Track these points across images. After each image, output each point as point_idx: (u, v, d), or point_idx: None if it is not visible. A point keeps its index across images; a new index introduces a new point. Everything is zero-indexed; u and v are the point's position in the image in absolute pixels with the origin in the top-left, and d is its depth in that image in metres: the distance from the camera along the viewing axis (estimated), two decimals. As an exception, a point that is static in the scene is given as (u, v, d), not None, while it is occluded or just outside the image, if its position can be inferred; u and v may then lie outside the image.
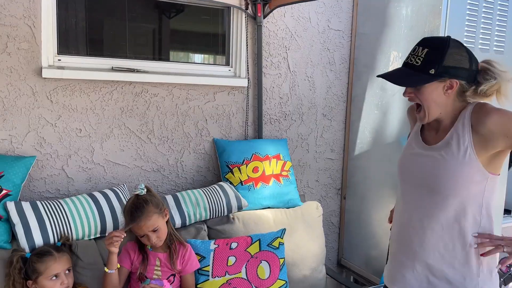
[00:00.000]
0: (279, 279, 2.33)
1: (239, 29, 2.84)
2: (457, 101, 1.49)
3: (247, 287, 2.24)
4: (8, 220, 2.07)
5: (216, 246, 2.29)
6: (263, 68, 2.89)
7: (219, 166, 2.79)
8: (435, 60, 1.42)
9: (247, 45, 2.84)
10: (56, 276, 1.91)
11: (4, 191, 2.10)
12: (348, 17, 3.16)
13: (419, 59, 1.44)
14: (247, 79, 2.84)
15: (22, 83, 2.29)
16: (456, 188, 1.47)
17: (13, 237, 2.08)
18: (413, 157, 1.60)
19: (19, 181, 2.18)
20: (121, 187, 2.42)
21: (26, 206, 2.10)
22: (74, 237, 2.15)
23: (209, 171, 2.84)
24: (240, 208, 2.54)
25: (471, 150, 1.44)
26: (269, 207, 2.72)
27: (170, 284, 2.12)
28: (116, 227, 2.26)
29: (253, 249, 2.32)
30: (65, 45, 2.45)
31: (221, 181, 2.72)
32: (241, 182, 2.69)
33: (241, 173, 2.71)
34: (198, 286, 2.22)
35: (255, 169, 2.74)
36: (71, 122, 2.43)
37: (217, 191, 2.54)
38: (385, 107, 2.90)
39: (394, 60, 2.81)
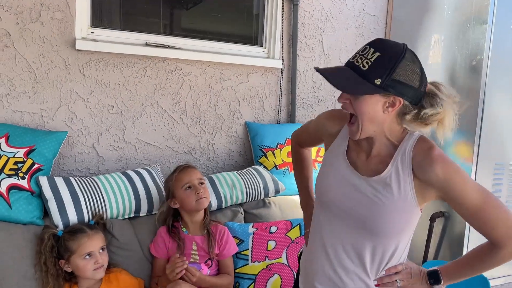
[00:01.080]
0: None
1: (274, 9, 2.74)
2: (394, 123, 1.28)
3: (288, 274, 2.12)
4: (40, 196, 1.97)
5: (255, 229, 2.18)
6: (297, 50, 2.79)
7: (251, 150, 2.68)
8: (384, 69, 1.18)
9: (282, 26, 2.74)
10: (89, 255, 1.80)
11: (36, 165, 1.99)
12: (383, 1, 3.07)
13: (367, 62, 1.20)
14: (281, 60, 2.74)
15: (54, 54, 2.19)
16: (390, 232, 1.31)
17: (45, 214, 1.97)
18: (342, 185, 1.36)
19: (51, 156, 2.07)
20: (155, 168, 2.32)
21: (59, 181, 1.99)
22: (108, 215, 2.04)
23: (240, 155, 2.73)
24: (277, 192, 2.43)
25: (413, 196, 1.27)
26: (304, 193, 2.61)
27: (208, 268, 2.01)
28: (150, 209, 2.15)
29: (294, 233, 2.21)
30: (99, 18, 2.35)
31: (253, 165, 2.61)
32: (275, 166, 2.58)
33: (275, 157, 2.60)
34: (236, 270, 2.11)
35: (289, 154, 2.63)
36: (103, 98, 2.32)
37: (253, 174, 2.43)
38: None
39: (436, 43, 2.72)
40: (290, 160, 2.62)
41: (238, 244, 2.14)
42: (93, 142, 2.33)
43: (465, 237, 2.66)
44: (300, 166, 1.75)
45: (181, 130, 2.54)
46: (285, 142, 2.65)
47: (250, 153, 2.71)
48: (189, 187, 1.99)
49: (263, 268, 2.11)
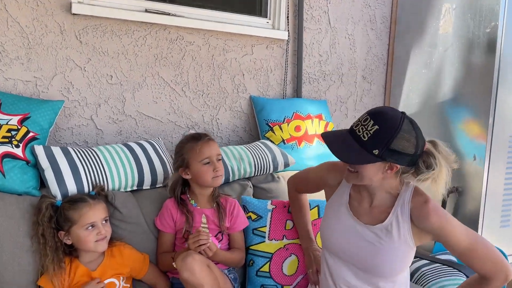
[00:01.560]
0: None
1: (278, -21, 2.63)
2: (392, 179, 1.47)
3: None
4: (36, 166, 1.82)
5: (274, 207, 2.05)
6: (303, 21, 2.68)
7: (256, 126, 2.56)
8: (381, 142, 1.34)
9: (287, -4, 2.63)
10: (92, 225, 1.67)
11: (31, 134, 1.85)
12: (389, -27, 2.97)
13: (366, 133, 1.35)
14: (286, 32, 2.62)
15: (49, 18, 2.05)
16: (393, 272, 1.50)
17: (42, 185, 1.83)
18: (347, 234, 1.54)
19: (47, 125, 1.92)
20: (157, 141, 2.18)
21: (57, 150, 1.85)
22: (110, 187, 1.90)
23: (245, 131, 2.61)
24: (286, 165, 2.31)
25: (411, 240, 1.47)
26: (313, 168, 2.49)
27: (219, 242, 1.88)
28: (154, 182, 2.02)
29: (312, 215, 2.08)
30: (96, -18, 2.21)
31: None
32: (283, 140, 2.46)
33: (282, 132, 2.48)
34: (251, 247, 1.98)
35: (297, 128, 2.52)
36: (101, 67, 2.19)
37: (261, 147, 2.31)
38: (436, 65, 2.70)
39: (447, 12, 2.62)
40: (298, 134, 2.51)
41: (255, 220, 2.01)
42: (91, 114, 2.19)
43: (480, 213, 2.57)
44: (299, 213, 1.94)
45: (184, 103, 2.41)
46: (292, 117, 2.53)
47: (256, 129, 2.59)
48: (208, 162, 1.85)
49: (280, 247, 1.98)
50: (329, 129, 2.62)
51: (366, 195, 1.54)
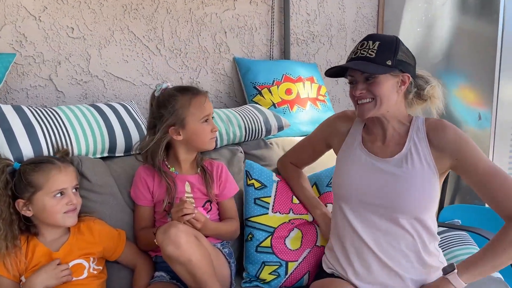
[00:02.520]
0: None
1: None
2: (402, 103, 1.44)
3: (312, 232, 1.72)
4: (-19, 127, 1.48)
5: (279, 179, 1.78)
6: (289, -25, 2.41)
7: (242, 90, 2.28)
8: (390, 53, 1.36)
9: None
10: (61, 193, 1.35)
11: (-27, 88, 1.51)
12: None
13: (372, 51, 1.36)
14: (272, -15, 2.35)
15: (-6, -45, 1.70)
16: (421, 204, 1.39)
17: (-11, 150, 1.48)
18: (365, 173, 1.44)
19: (-6, 80, 1.58)
20: (131, 103, 1.86)
21: (7, 109, 1.51)
22: (75, 152, 1.58)
23: (229, 97, 2.31)
24: (280, 129, 2.03)
25: (432, 162, 1.39)
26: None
27: (207, 212, 1.59)
28: (129, 148, 1.70)
29: (315, 192, 1.81)
30: None
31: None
32: (273, 104, 2.19)
33: (272, 95, 2.21)
34: (251, 218, 1.69)
35: (288, 91, 2.24)
36: (60, 17, 1.85)
37: (251, 110, 2.02)
38: (432, 21, 2.49)
39: (445, -38, 2.41)
40: (289, 97, 2.24)
41: (258, 189, 1.72)
42: (50, 73, 1.85)
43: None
44: (300, 180, 1.78)
45: (159, 63, 2.10)
46: (281, 79, 2.26)
47: (241, 94, 2.30)
48: (207, 120, 1.55)
49: (285, 222, 1.71)
50: (322, 93, 2.36)
51: (379, 132, 1.46)
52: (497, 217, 2.27)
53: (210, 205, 1.61)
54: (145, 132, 1.72)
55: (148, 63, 2.07)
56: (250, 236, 1.69)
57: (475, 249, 2.02)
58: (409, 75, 1.38)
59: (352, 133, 1.54)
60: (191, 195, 1.57)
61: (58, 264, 1.32)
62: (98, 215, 1.50)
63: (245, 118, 1.94)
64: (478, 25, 2.32)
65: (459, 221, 2.18)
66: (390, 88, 1.37)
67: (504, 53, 2.28)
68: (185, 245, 1.30)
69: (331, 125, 1.63)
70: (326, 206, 1.78)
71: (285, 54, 2.44)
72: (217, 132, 1.62)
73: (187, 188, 1.58)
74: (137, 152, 1.63)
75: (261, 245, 1.68)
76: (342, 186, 1.48)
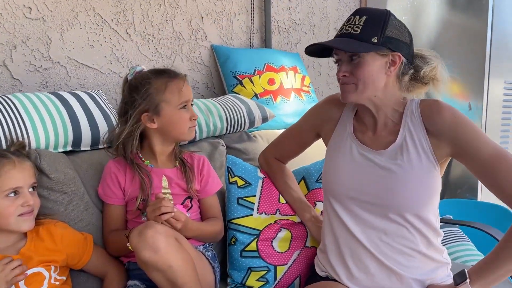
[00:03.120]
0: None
1: None
2: (395, 88, 1.26)
3: (301, 232, 1.56)
4: None
5: (264, 176, 1.61)
6: (269, -42, 2.26)
7: (221, 81, 2.10)
8: (376, 28, 1.20)
9: None
10: (15, 192, 1.15)
11: None
12: None
13: (357, 27, 1.20)
14: (252, -32, 2.19)
15: None
16: (420, 199, 1.23)
17: None
18: (358, 167, 1.28)
19: None
20: (98, 92, 1.66)
21: (-50, 94, 1.29)
22: (33, 145, 1.37)
23: (207, 88, 2.14)
24: (265, 120, 1.87)
25: (430, 151, 1.23)
26: (293, 127, 2.07)
27: (187, 210, 1.41)
28: (96, 141, 1.50)
29: (302, 189, 1.65)
30: None
31: (226, 97, 2.03)
32: (256, 95, 2.02)
33: (254, 85, 2.04)
34: (234, 220, 1.51)
35: (270, 81, 2.09)
36: (16, -5, 1.63)
37: (232, 100, 1.85)
38: (418, 9, 2.39)
39: None
40: (272, 87, 2.08)
41: (242, 187, 1.54)
42: (4, 58, 1.63)
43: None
44: (288, 182, 1.59)
45: (129, 50, 1.90)
46: (263, 68, 2.10)
47: (220, 85, 2.13)
48: (185, 107, 1.37)
49: (271, 223, 1.54)
50: (306, 83, 2.22)
51: (369, 121, 1.30)
52: (490, 211, 2.17)
53: (191, 202, 1.43)
54: (115, 123, 1.53)
55: (117, 49, 1.87)
56: (234, 239, 1.52)
57: (470, 245, 1.91)
58: (400, 54, 1.20)
59: (343, 121, 1.37)
60: (169, 191, 1.39)
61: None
62: (61, 218, 1.30)
63: (227, 109, 1.76)
64: (467, 17, 2.24)
65: (451, 216, 2.08)
66: (376, 70, 1.20)
67: (493, 46, 2.21)
68: (164, 249, 1.11)
69: (321, 110, 1.45)
70: (316, 205, 1.63)
71: (266, 42, 2.28)
72: (196, 121, 1.44)
73: (164, 183, 1.39)
74: (107, 144, 1.44)
75: (246, 249, 1.51)
76: (332, 182, 1.33)
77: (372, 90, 1.22)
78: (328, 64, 2.58)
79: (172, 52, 2.01)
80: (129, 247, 1.20)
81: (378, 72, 1.21)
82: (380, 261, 1.25)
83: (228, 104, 1.79)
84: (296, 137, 1.55)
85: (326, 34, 2.55)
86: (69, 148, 1.46)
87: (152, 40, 1.96)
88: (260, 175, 1.61)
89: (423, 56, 1.28)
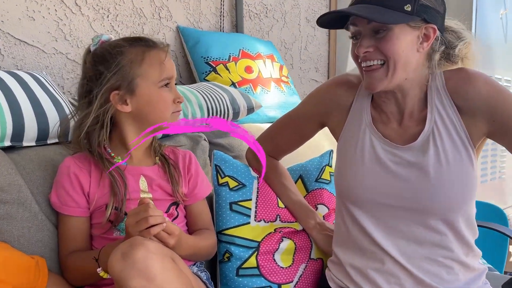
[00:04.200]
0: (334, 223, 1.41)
1: None
2: (425, 67, 1.04)
3: (304, 241, 1.28)
4: None
5: (259, 175, 1.32)
6: None
7: (189, 67, 1.80)
8: None
9: None
10: None
11: None
12: None
13: None
14: None
15: None
16: (457, 197, 1.03)
17: None
18: (380, 166, 1.06)
19: None
20: (42, 74, 1.28)
21: None
22: (-43, 137, 0.98)
23: (172, 76, 1.81)
24: (251, 111, 1.58)
25: (466, 136, 1.02)
26: (275, 122, 1.80)
27: (173, 219, 1.09)
28: (43, 134, 1.14)
29: (300, 191, 1.37)
30: None
31: (197, 86, 1.72)
32: (233, 84, 1.73)
33: (230, 73, 1.75)
34: (227, 231, 1.21)
35: (247, 69, 1.81)
36: None
37: (211, 87, 1.54)
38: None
39: None
40: (250, 76, 1.80)
41: (235, 189, 1.25)
42: None
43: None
44: (282, 179, 1.33)
45: (79, 25, 1.54)
46: (239, 54, 1.82)
47: (189, 71, 1.82)
48: (167, 85, 1.05)
49: (270, 232, 1.25)
50: (285, 74, 1.96)
51: (392, 109, 1.07)
52: (483, 211, 2.03)
53: (176, 210, 1.11)
54: (69, 111, 1.18)
55: (64, 24, 1.50)
56: (227, 255, 1.22)
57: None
58: (436, 27, 0.99)
59: (357, 109, 1.13)
60: (150, 195, 1.06)
61: None
62: (1, 238, 0.92)
63: (207, 96, 1.46)
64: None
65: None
66: (408, 45, 0.98)
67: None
68: (161, 275, 0.79)
69: (327, 96, 1.18)
70: (317, 209, 1.37)
71: (237, 27, 2.00)
72: (182, 106, 1.13)
73: (143, 185, 1.06)
74: (63, 138, 1.09)
75: (243, 265, 1.22)
76: (352, 186, 1.09)
77: (403, 71, 1.00)
78: (299, 56, 2.35)
79: (131, 32, 1.67)
80: (102, 275, 0.87)
81: (410, 48, 0.99)
82: (416, 276, 1.04)
83: (208, 91, 1.48)
84: (294, 128, 1.27)
85: (297, 23, 2.32)
86: (6, 144, 1.08)
87: (108, 16, 1.61)
88: (254, 174, 1.33)
89: (453, 30, 1.07)
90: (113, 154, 1.06)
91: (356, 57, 1.04)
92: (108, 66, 1.02)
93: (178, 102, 1.07)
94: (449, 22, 1.08)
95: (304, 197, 1.37)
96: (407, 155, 1.04)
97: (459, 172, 1.01)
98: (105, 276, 0.90)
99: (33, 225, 0.98)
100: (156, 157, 1.11)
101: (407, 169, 1.03)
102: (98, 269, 0.90)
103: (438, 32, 1.00)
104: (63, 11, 1.49)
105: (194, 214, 1.14)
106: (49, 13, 1.46)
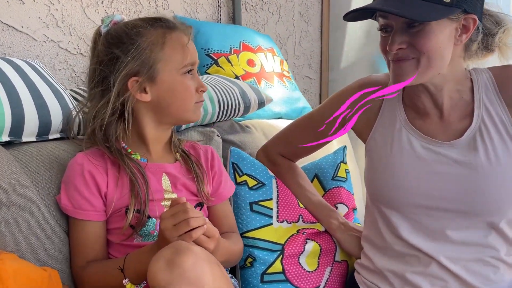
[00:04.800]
0: (354, 223, 1.33)
1: None
2: (461, 59, 0.98)
3: (328, 243, 1.20)
4: None
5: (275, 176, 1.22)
6: None
7: (187, 60, 1.68)
8: None
9: None
10: None
11: None
12: None
13: None
14: None
15: None
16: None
17: None
18: (423, 166, 1.00)
19: None
20: (36, 62, 1.14)
21: None
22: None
23: (169, 70, 1.69)
24: (261, 104, 1.47)
25: None
26: (281, 118, 1.70)
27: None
28: (45, 128, 1.00)
29: (318, 191, 1.28)
30: None
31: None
32: (237, 77, 1.62)
33: (232, 65, 1.65)
34: (247, 234, 1.11)
35: (250, 62, 1.71)
36: None
37: (219, 79, 1.43)
38: None
39: None
40: (253, 69, 1.70)
41: (254, 188, 1.16)
42: None
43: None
44: (299, 179, 1.24)
45: (72, 11, 1.40)
46: (240, 47, 1.72)
47: (185, 66, 1.70)
48: (190, 72, 0.94)
49: (293, 234, 1.16)
50: (286, 68, 1.87)
51: (428, 105, 1.00)
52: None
53: (200, 210, 0.99)
54: (70, 103, 1.05)
55: (55, 9, 1.36)
56: (250, 260, 1.12)
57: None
58: (476, 17, 0.91)
59: (387, 108, 1.06)
60: (175, 195, 0.94)
61: None
62: (7, 247, 0.78)
63: (217, 89, 1.34)
64: None
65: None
66: (445, 40, 0.91)
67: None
68: (213, 283, 0.69)
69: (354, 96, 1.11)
70: (337, 208, 1.29)
71: (234, 18, 1.90)
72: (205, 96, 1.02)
73: (165, 184, 0.94)
74: (69, 133, 0.97)
75: (268, 271, 1.12)
76: (388, 188, 1.02)
77: (437, 67, 0.92)
78: (293, 52, 2.27)
79: (127, 19, 1.54)
80: (129, 287, 0.75)
81: (447, 42, 0.92)
82: (464, 279, 0.98)
83: (217, 84, 1.37)
84: (315, 129, 1.18)
85: (292, 18, 2.24)
86: (4, 139, 0.94)
87: (102, 2, 1.47)
88: (271, 172, 1.23)
89: (491, 14, 0.99)
90: (130, 150, 0.93)
91: (384, 51, 0.96)
92: (125, 49, 0.90)
93: (201, 91, 0.96)
94: (489, 7, 1.01)
95: (322, 196, 1.29)
96: (452, 152, 0.98)
97: (510, 171, 0.95)
98: (133, 288, 0.79)
99: (42, 232, 0.85)
100: (177, 153, 1.00)
101: (452, 168, 0.97)
102: (125, 281, 0.79)
103: (478, 22, 0.93)
104: (54, -5, 1.35)
105: (218, 215, 1.03)
106: (39, -4, 1.32)
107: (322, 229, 1.21)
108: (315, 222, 1.21)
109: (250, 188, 1.17)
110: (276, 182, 1.22)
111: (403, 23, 0.91)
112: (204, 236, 0.79)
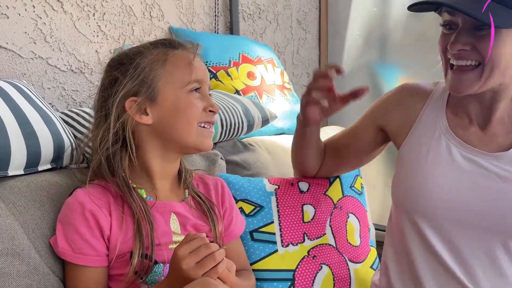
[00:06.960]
0: (371, 246, 1.25)
1: None
2: None
3: (340, 263, 1.11)
4: None
5: (276, 187, 1.13)
6: None
7: (184, 74, 1.59)
8: None
9: None
10: None
11: None
12: None
13: None
14: None
15: None
16: None
17: None
18: (461, 176, 0.92)
19: None
20: (22, 83, 1.05)
21: None
22: None
23: (165, 84, 1.60)
24: (266, 122, 1.39)
25: None
26: (283, 133, 1.62)
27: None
28: (34, 159, 0.91)
29: (335, 192, 1.19)
30: None
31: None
32: (237, 92, 1.54)
33: (232, 79, 1.56)
34: (254, 266, 1.03)
35: (250, 75, 1.62)
36: None
37: (220, 96, 1.34)
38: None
39: None
40: (254, 83, 1.62)
41: (251, 214, 1.09)
42: None
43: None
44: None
45: (61, 25, 1.30)
46: (239, 59, 1.63)
47: (182, 80, 1.61)
48: (198, 89, 0.85)
49: (304, 257, 1.07)
50: (286, 80, 1.79)
51: (478, 113, 0.94)
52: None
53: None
54: (63, 130, 0.96)
55: (43, 23, 1.25)
56: (260, 292, 1.03)
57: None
58: None
59: (428, 115, 0.99)
60: (180, 233, 0.85)
61: None
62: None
63: (220, 107, 1.26)
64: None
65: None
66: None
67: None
68: None
69: (393, 98, 1.04)
70: (349, 217, 1.21)
71: (232, 28, 1.81)
72: (216, 118, 0.92)
73: (174, 225, 0.85)
74: (76, 164, 0.88)
75: (280, 304, 1.03)
76: (420, 198, 0.94)
77: (501, 76, 0.86)
78: (292, 61, 2.19)
79: (120, 33, 1.44)
80: None
81: None
82: None
83: (218, 101, 1.28)
84: (351, 138, 1.11)
85: (289, 26, 2.16)
86: (-11, 172, 0.84)
87: (94, 14, 1.37)
88: (270, 187, 1.15)
89: None
90: (135, 186, 0.84)
91: (444, 50, 0.88)
92: (124, 69, 0.83)
93: (210, 111, 0.87)
94: None
95: (339, 200, 1.20)
96: (494, 165, 0.90)
97: None
98: None
99: (33, 281, 0.76)
100: (186, 190, 0.91)
101: (494, 182, 0.90)
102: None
103: None
104: (42, 8, 1.25)
105: (230, 254, 0.93)
106: (25, 9, 1.21)
107: (329, 241, 1.13)
108: (321, 236, 1.13)
109: (248, 215, 1.08)
110: (276, 200, 1.12)
111: (471, 23, 0.83)
112: (226, 270, 0.71)
